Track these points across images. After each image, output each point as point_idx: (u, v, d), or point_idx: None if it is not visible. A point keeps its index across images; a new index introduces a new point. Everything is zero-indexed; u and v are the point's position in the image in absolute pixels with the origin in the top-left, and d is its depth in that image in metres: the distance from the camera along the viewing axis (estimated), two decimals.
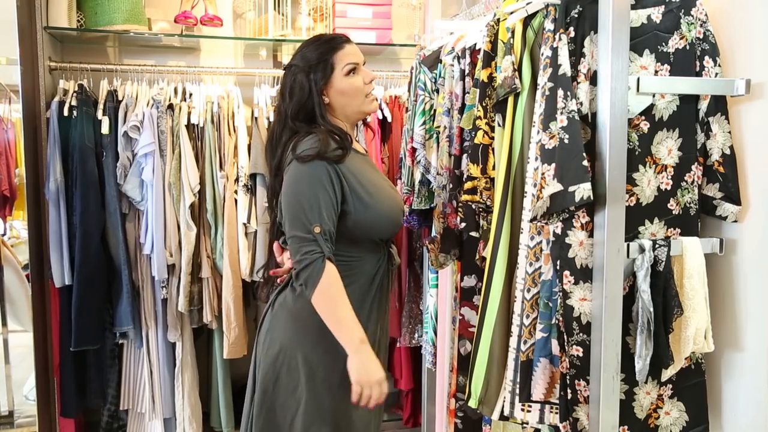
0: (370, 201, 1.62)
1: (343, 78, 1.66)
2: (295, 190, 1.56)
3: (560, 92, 1.45)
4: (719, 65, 1.59)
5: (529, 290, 1.58)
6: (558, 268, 1.51)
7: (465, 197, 1.75)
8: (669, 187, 1.58)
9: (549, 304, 1.54)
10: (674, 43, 1.56)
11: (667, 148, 1.57)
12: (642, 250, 1.53)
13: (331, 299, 1.54)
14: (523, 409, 1.60)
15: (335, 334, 1.54)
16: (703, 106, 1.59)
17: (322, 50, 1.67)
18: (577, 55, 1.49)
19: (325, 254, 1.54)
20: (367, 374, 1.52)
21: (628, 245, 1.51)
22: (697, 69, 1.59)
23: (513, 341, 1.63)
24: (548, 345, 1.55)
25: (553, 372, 1.56)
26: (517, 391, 1.60)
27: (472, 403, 1.69)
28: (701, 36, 1.58)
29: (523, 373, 1.58)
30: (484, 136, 1.73)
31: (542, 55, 1.53)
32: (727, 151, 1.60)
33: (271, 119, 2.72)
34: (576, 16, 1.49)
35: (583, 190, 1.39)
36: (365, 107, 1.72)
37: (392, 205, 1.69)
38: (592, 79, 1.48)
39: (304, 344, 1.64)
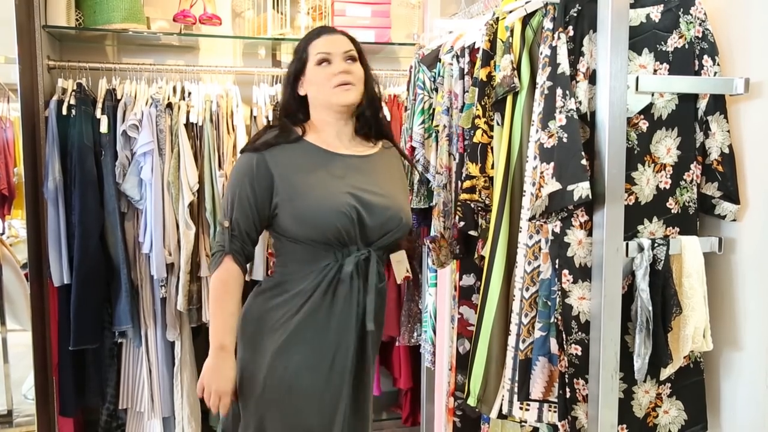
0: (296, 198, 1.59)
1: (314, 68, 1.64)
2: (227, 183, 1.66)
3: (559, 91, 1.45)
4: (718, 64, 1.59)
5: (527, 289, 1.58)
6: (557, 266, 1.51)
7: (464, 196, 1.75)
8: (668, 186, 1.58)
9: (548, 303, 1.54)
10: (673, 42, 1.56)
11: (666, 147, 1.57)
12: (641, 249, 1.53)
13: (215, 296, 1.62)
14: (521, 408, 1.60)
15: (209, 328, 1.62)
16: (702, 105, 1.59)
17: (304, 40, 1.69)
18: (576, 54, 1.49)
19: (226, 250, 1.60)
20: (210, 379, 1.58)
21: (627, 244, 1.52)
22: (696, 68, 1.59)
23: (512, 340, 1.63)
24: (547, 344, 1.55)
25: (551, 371, 1.56)
26: (516, 389, 1.60)
27: (471, 402, 1.69)
28: (700, 35, 1.58)
29: (521, 371, 1.58)
30: (482, 135, 1.73)
31: (541, 54, 1.53)
32: (726, 150, 1.60)
33: (270, 118, 2.73)
34: (575, 15, 1.49)
35: (581, 189, 1.39)
36: (332, 98, 1.62)
37: (327, 206, 1.57)
38: (591, 78, 1.48)
39: (241, 343, 1.68)
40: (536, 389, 1.57)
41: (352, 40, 1.69)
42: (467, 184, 1.75)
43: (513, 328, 1.62)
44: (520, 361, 1.59)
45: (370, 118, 1.72)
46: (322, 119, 1.68)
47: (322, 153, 1.65)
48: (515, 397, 1.60)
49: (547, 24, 1.52)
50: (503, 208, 1.65)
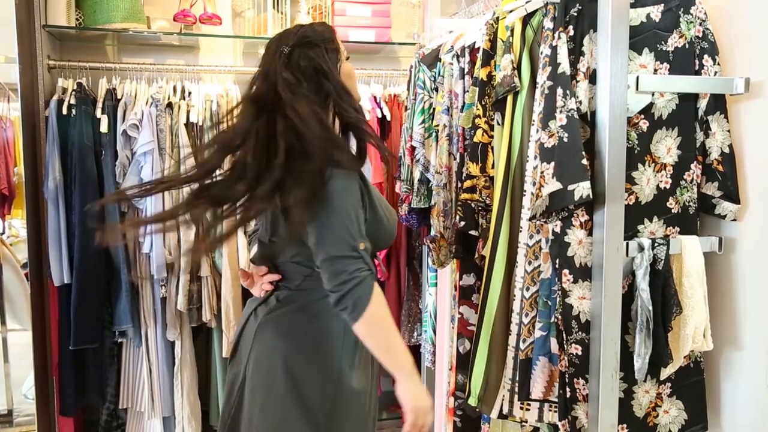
0: (380, 212, 1.50)
1: (346, 62, 1.50)
2: (333, 206, 1.36)
3: (559, 91, 1.45)
4: (718, 64, 1.59)
5: (528, 289, 1.58)
6: (557, 266, 1.51)
7: (464, 196, 1.75)
8: (668, 186, 1.58)
9: (548, 303, 1.54)
10: (673, 42, 1.56)
11: (666, 146, 1.57)
12: (641, 248, 1.53)
13: (384, 324, 1.39)
14: (522, 408, 1.60)
15: (383, 359, 1.41)
16: (702, 104, 1.59)
17: (328, 29, 1.49)
18: (576, 53, 1.49)
19: (373, 272, 1.39)
20: (422, 401, 1.40)
21: (627, 244, 1.52)
22: (697, 67, 1.59)
23: (512, 340, 1.63)
24: (547, 343, 1.55)
25: (552, 370, 1.56)
26: (516, 389, 1.60)
27: (472, 402, 1.69)
28: (700, 35, 1.58)
29: (522, 371, 1.58)
30: (483, 135, 1.73)
31: (541, 53, 1.53)
32: (726, 150, 1.60)
33: None
34: (575, 14, 1.49)
35: (582, 189, 1.39)
36: (356, 93, 1.51)
37: (393, 216, 1.57)
38: (592, 77, 1.48)
39: (294, 363, 1.48)
40: (537, 389, 1.57)
41: None
42: (468, 183, 1.75)
43: (513, 328, 1.62)
44: (521, 360, 1.59)
45: None
46: None
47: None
48: (516, 397, 1.60)
49: (548, 23, 1.52)
50: (504, 207, 1.65)
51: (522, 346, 1.59)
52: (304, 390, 1.47)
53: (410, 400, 1.40)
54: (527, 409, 1.60)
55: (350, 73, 1.51)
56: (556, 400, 1.56)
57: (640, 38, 1.53)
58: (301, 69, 1.43)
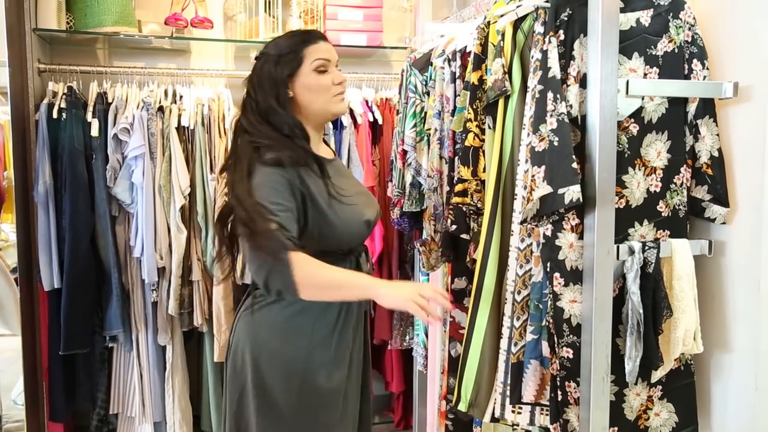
0: (324, 209, 1.56)
1: (311, 73, 1.59)
2: (257, 195, 1.48)
3: (550, 95, 1.46)
4: (707, 68, 1.60)
5: (519, 292, 1.59)
6: (548, 270, 1.52)
7: (456, 199, 1.76)
8: (658, 190, 1.59)
9: (539, 306, 1.55)
10: (663, 46, 1.57)
11: (656, 150, 1.58)
12: (632, 252, 1.53)
13: (317, 280, 1.46)
14: (513, 411, 1.60)
15: (344, 297, 1.53)
16: (692, 108, 1.60)
17: (294, 41, 1.60)
18: (566, 57, 1.50)
19: (288, 247, 1.44)
20: (404, 291, 1.45)
21: (617, 247, 1.52)
22: (686, 72, 1.60)
23: (503, 343, 1.63)
24: (539, 347, 1.55)
25: (543, 374, 1.56)
26: (508, 392, 1.60)
27: (462, 407, 1.69)
28: (689, 39, 1.60)
29: (513, 374, 1.58)
30: (474, 139, 1.73)
31: (532, 57, 1.53)
32: (716, 154, 1.61)
33: None
34: (565, 18, 1.49)
35: (572, 193, 1.40)
36: (332, 106, 1.62)
37: (353, 215, 1.60)
38: (582, 81, 1.49)
39: (260, 358, 1.58)
40: (528, 392, 1.57)
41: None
42: (459, 187, 1.75)
43: (505, 332, 1.63)
44: (512, 364, 1.59)
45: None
46: (306, 124, 1.62)
47: (322, 161, 1.61)
48: (507, 400, 1.60)
49: (538, 28, 1.53)
50: (495, 211, 1.65)
51: (513, 349, 1.59)
52: (268, 384, 1.56)
53: (395, 300, 1.46)
54: (519, 413, 1.60)
55: (310, 85, 1.59)
56: (548, 403, 1.56)
57: (630, 43, 1.54)
58: (252, 81, 1.63)
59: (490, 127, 1.71)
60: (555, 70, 1.46)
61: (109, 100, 2.59)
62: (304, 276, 1.43)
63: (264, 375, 1.57)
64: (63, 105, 2.49)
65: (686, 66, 1.60)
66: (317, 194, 1.55)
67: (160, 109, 2.60)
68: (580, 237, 1.50)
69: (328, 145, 1.82)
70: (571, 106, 1.47)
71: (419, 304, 1.43)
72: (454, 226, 1.80)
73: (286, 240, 1.45)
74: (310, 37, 1.62)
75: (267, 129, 1.57)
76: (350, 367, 1.66)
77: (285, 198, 1.49)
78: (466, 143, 1.74)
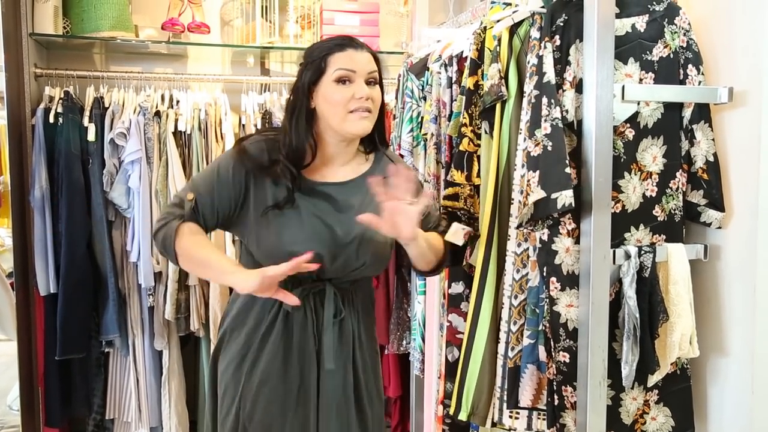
0: (262, 227, 1.47)
1: (330, 83, 1.43)
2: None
3: (545, 100, 1.46)
4: (702, 73, 1.61)
5: (516, 297, 1.59)
6: (544, 274, 1.52)
7: (444, 203, 1.76)
8: (654, 194, 1.59)
9: (536, 311, 1.55)
10: (658, 52, 1.58)
11: (652, 155, 1.58)
12: (628, 256, 1.54)
13: (191, 255, 1.46)
14: (511, 416, 1.60)
15: (208, 278, 1.57)
16: (687, 113, 1.61)
17: (322, 48, 1.47)
18: (562, 63, 1.50)
19: (186, 218, 1.46)
20: (249, 280, 1.37)
21: (614, 252, 1.52)
22: (681, 77, 1.61)
23: (501, 348, 1.63)
24: (535, 351, 1.55)
25: (540, 378, 1.57)
26: (505, 397, 1.60)
27: (463, 416, 1.68)
28: (684, 45, 1.60)
29: (510, 379, 1.59)
30: (469, 144, 1.73)
31: (528, 62, 1.54)
32: (711, 159, 1.61)
33: (259, 126, 2.72)
34: (561, 24, 1.50)
35: (564, 197, 1.40)
36: (347, 125, 1.44)
37: (289, 247, 1.43)
38: (578, 87, 1.49)
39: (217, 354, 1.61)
40: (525, 397, 1.57)
41: (377, 59, 1.49)
42: (449, 191, 1.76)
43: (502, 336, 1.63)
44: (509, 369, 1.59)
45: (373, 136, 1.55)
46: (326, 140, 1.50)
47: (307, 184, 1.50)
48: (504, 405, 1.60)
49: (534, 33, 1.54)
50: (494, 216, 1.65)
51: (510, 354, 1.59)
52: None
53: (244, 288, 1.39)
54: (516, 418, 1.60)
55: (327, 96, 1.44)
56: (545, 407, 1.57)
57: (626, 48, 1.55)
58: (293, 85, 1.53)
59: (486, 132, 1.72)
60: (550, 75, 1.47)
61: (106, 105, 2.59)
62: (183, 246, 1.45)
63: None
64: (60, 110, 2.49)
65: (681, 71, 1.61)
66: (256, 202, 1.48)
67: (157, 113, 2.60)
68: (577, 241, 1.50)
69: (367, 153, 1.59)
70: (567, 111, 1.48)
71: (266, 286, 1.37)
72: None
73: (189, 210, 1.47)
74: (341, 44, 1.46)
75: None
76: (297, 406, 1.53)
77: (215, 179, 1.48)
78: (461, 148, 1.74)
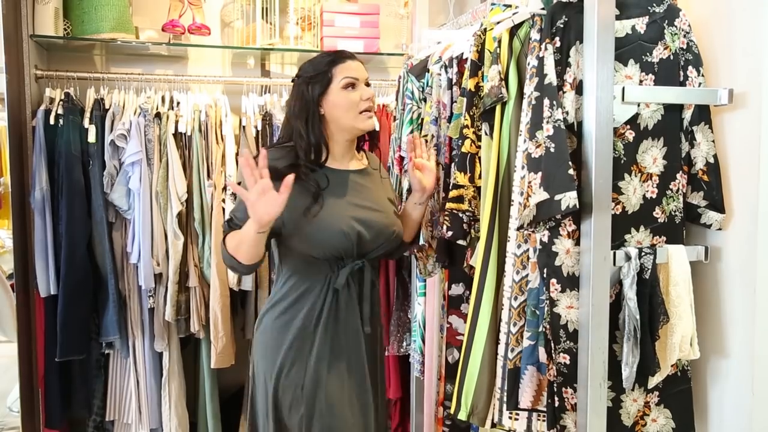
0: (301, 222, 1.65)
1: (340, 91, 1.70)
2: None
3: (546, 101, 1.46)
4: (702, 75, 1.61)
5: (516, 298, 1.59)
6: (545, 276, 1.52)
7: (450, 205, 1.76)
8: (654, 196, 1.59)
9: (536, 312, 1.55)
10: (658, 53, 1.58)
11: (652, 156, 1.58)
12: (628, 258, 1.54)
13: (236, 246, 1.60)
14: (510, 417, 1.60)
15: (253, 246, 1.57)
16: (687, 115, 1.61)
17: (324, 62, 1.72)
18: (563, 64, 1.51)
19: (225, 233, 1.68)
20: (257, 208, 1.51)
21: (614, 253, 1.52)
22: (681, 79, 1.61)
23: (501, 349, 1.63)
24: (535, 353, 1.55)
25: (540, 380, 1.56)
26: (505, 398, 1.60)
27: (462, 416, 1.68)
28: (684, 46, 1.61)
29: (510, 380, 1.59)
30: (471, 145, 1.73)
31: (528, 64, 1.54)
32: (711, 160, 1.61)
33: (259, 128, 2.73)
34: (561, 26, 1.50)
35: (568, 199, 1.40)
36: (358, 123, 1.72)
37: (331, 229, 1.66)
38: (578, 88, 1.49)
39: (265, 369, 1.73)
40: (525, 398, 1.57)
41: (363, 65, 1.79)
42: (454, 193, 1.76)
43: (502, 337, 1.63)
44: (509, 370, 1.59)
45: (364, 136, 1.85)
46: (335, 139, 1.75)
47: (332, 173, 1.73)
48: (504, 406, 1.60)
49: (534, 35, 1.54)
50: (494, 218, 1.65)
51: (510, 355, 1.59)
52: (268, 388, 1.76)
53: (260, 217, 1.51)
54: (516, 419, 1.60)
55: (338, 103, 1.69)
56: (545, 409, 1.56)
57: (626, 50, 1.55)
58: (289, 104, 1.76)
59: (486, 134, 1.72)
60: (551, 77, 1.47)
61: (106, 107, 2.59)
62: (231, 248, 1.61)
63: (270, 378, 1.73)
64: (60, 111, 2.49)
65: (681, 73, 1.61)
66: (290, 207, 1.59)
67: (157, 115, 2.60)
68: (577, 243, 1.50)
69: (365, 152, 1.91)
70: (567, 113, 1.48)
71: (259, 200, 1.50)
72: (450, 232, 1.80)
73: (227, 229, 1.68)
74: (340, 56, 1.73)
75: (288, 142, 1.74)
76: (349, 375, 1.76)
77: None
78: (463, 149, 1.74)
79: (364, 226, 1.71)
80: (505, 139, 1.64)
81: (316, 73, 1.71)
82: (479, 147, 1.74)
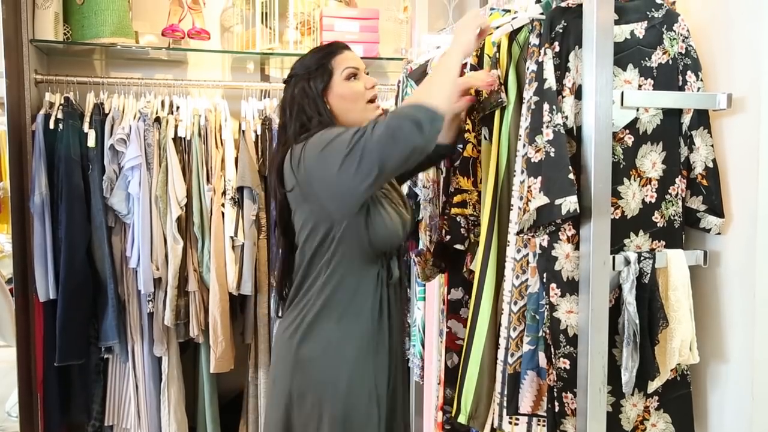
0: (381, 207, 1.59)
1: (343, 82, 1.61)
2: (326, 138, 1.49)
3: (546, 106, 1.46)
4: (701, 80, 1.61)
5: (516, 303, 1.59)
6: (544, 280, 1.52)
7: (455, 210, 1.76)
8: (653, 200, 1.59)
9: (536, 317, 1.55)
10: (657, 58, 1.58)
11: (651, 161, 1.58)
12: (627, 262, 1.54)
13: (437, 91, 1.49)
14: (510, 422, 1.60)
15: (453, 86, 1.52)
16: (686, 120, 1.61)
17: (320, 56, 1.64)
18: (562, 69, 1.51)
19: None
20: (462, 35, 1.55)
21: (613, 258, 1.52)
22: (680, 83, 1.61)
23: (500, 354, 1.63)
24: (535, 357, 1.55)
25: (540, 384, 1.56)
26: (505, 403, 1.60)
27: (462, 419, 1.68)
28: (683, 51, 1.61)
29: (510, 385, 1.58)
30: (473, 150, 1.74)
31: (528, 69, 1.54)
32: (710, 164, 1.61)
33: (259, 132, 2.73)
34: (561, 30, 1.50)
35: (569, 203, 1.40)
36: (368, 113, 1.64)
37: (396, 219, 1.63)
38: (577, 93, 1.49)
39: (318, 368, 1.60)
40: (525, 403, 1.57)
41: None
42: (458, 198, 1.76)
43: (502, 342, 1.63)
44: (509, 375, 1.59)
45: None
46: None
47: None
48: (504, 411, 1.60)
49: (534, 40, 1.54)
50: (493, 222, 1.65)
51: (510, 360, 1.59)
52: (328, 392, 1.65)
53: (464, 45, 1.55)
54: (516, 424, 1.60)
55: (344, 94, 1.61)
56: (545, 414, 1.56)
57: (625, 54, 1.55)
58: (288, 105, 1.63)
59: (486, 138, 1.72)
60: (551, 82, 1.47)
61: (106, 111, 2.60)
62: (427, 97, 1.47)
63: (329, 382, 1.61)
64: (60, 116, 2.49)
65: (680, 78, 1.61)
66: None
67: (157, 119, 2.61)
68: (576, 247, 1.50)
69: None
70: (566, 117, 1.48)
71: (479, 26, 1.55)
72: (448, 236, 1.80)
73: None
74: (335, 48, 1.65)
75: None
76: (396, 371, 1.72)
77: None
78: (465, 154, 1.75)
79: (403, 218, 1.67)
80: (504, 144, 1.64)
81: (316, 68, 1.62)
82: (479, 151, 1.74)
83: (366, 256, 1.59)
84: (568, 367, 1.51)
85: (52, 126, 2.48)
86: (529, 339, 1.56)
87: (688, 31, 1.61)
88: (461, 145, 1.77)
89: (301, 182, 1.53)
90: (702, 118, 1.62)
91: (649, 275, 1.53)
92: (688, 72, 1.61)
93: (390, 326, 1.67)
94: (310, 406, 1.57)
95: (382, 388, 1.63)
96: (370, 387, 1.60)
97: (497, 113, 1.66)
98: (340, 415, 1.55)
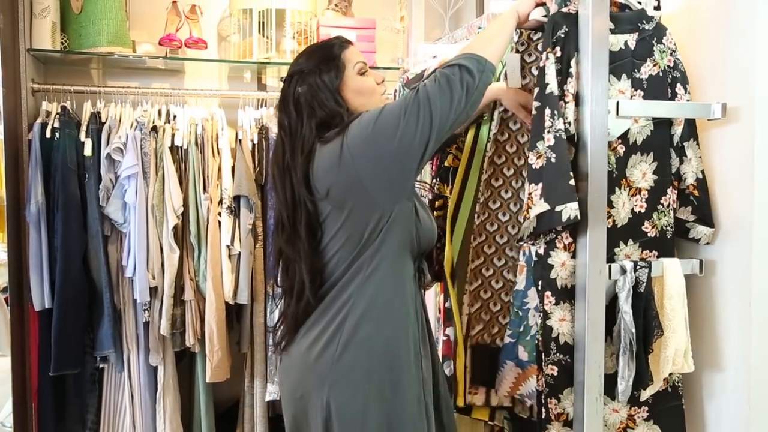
0: (418, 206, 1.54)
1: (356, 76, 1.53)
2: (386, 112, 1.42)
3: (547, 111, 1.45)
4: (689, 92, 1.62)
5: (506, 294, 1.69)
6: (539, 288, 1.52)
7: (437, 213, 1.83)
8: (643, 210, 1.59)
9: (519, 313, 1.58)
10: (647, 70, 1.58)
11: (641, 171, 1.58)
12: (623, 271, 1.54)
13: (490, 45, 1.48)
14: (469, 392, 1.69)
15: (497, 40, 1.50)
16: (677, 131, 1.61)
17: (329, 49, 1.54)
18: (563, 74, 1.49)
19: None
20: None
21: (609, 266, 1.52)
22: (669, 95, 1.61)
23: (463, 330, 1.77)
24: (515, 350, 1.60)
25: (518, 373, 1.65)
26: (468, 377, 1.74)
27: (460, 402, 1.78)
28: (671, 64, 1.61)
29: (474, 358, 1.72)
30: (453, 160, 1.82)
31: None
32: (700, 176, 1.62)
33: (255, 141, 2.73)
34: (562, 36, 1.49)
35: (569, 210, 1.40)
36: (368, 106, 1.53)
37: (430, 217, 1.60)
38: (577, 99, 1.49)
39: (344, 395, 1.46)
40: (503, 387, 1.68)
41: None
42: (439, 203, 1.86)
43: (464, 319, 1.76)
44: (470, 347, 1.73)
45: None
46: None
47: None
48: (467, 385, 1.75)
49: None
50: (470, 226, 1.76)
51: (472, 332, 1.75)
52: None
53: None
54: (475, 393, 1.75)
55: (360, 89, 1.53)
56: (520, 397, 1.68)
57: (619, 64, 1.55)
58: (294, 103, 1.51)
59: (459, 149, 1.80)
60: (552, 87, 1.46)
61: (103, 120, 2.60)
62: (478, 49, 1.46)
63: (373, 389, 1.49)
64: (56, 124, 2.49)
65: (670, 90, 1.61)
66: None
67: (154, 128, 2.61)
68: (573, 256, 1.50)
69: None
70: (569, 123, 1.47)
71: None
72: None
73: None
74: (345, 42, 1.57)
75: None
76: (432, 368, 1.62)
77: None
78: (445, 164, 1.80)
79: (433, 221, 1.63)
80: (480, 152, 1.71)
81: (327, 61, 1.51)
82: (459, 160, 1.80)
83: (408, 255, 1.51)
84: (555, 373, 1.51)
85: (48, 135, 2.48)
86: (510, 332, 1.64)
87: (675, 45, 1.62)
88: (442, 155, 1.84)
89: (343, 179, 1.43)
90: (692, 130, 1.62)
91: (644, 284, 1.53)
92: (677, 84, 1.61)
93: (429, 330, 1.61)
94: (352, 416, 1.45)
95: (429, 395, 1.53)
96: (418, 393, 1.49)
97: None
98: (386, 422, 1.45)
